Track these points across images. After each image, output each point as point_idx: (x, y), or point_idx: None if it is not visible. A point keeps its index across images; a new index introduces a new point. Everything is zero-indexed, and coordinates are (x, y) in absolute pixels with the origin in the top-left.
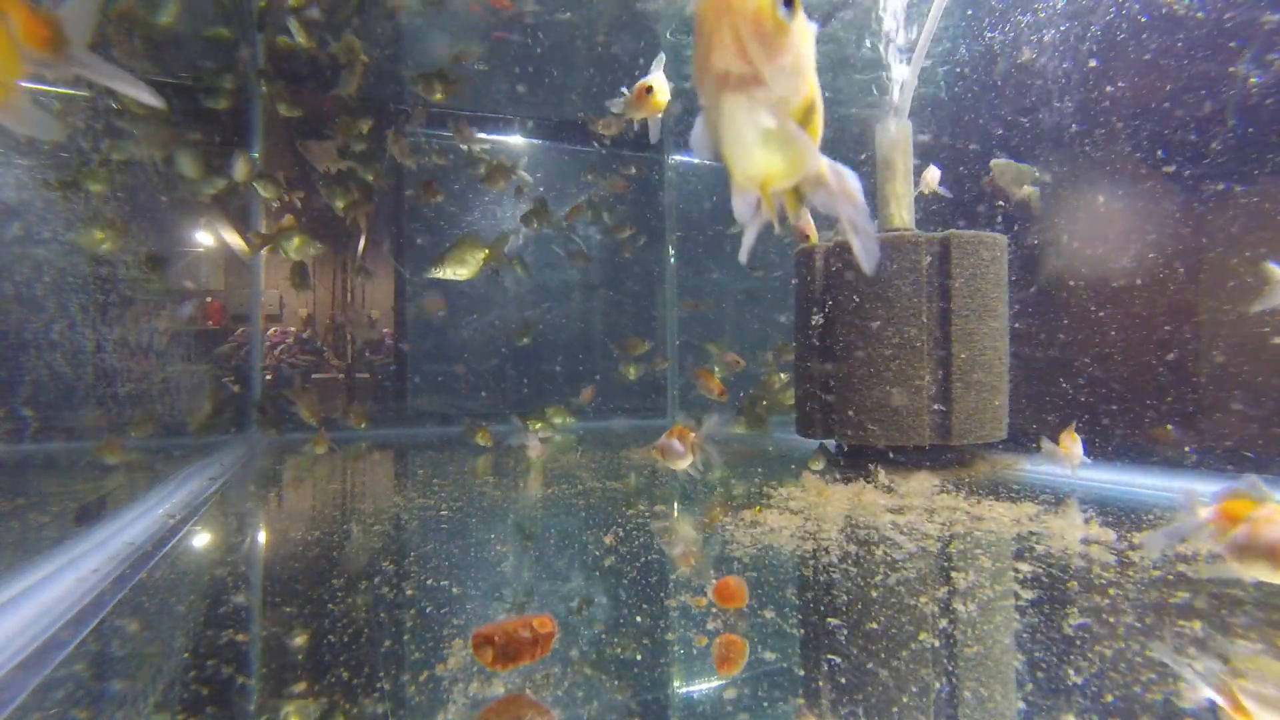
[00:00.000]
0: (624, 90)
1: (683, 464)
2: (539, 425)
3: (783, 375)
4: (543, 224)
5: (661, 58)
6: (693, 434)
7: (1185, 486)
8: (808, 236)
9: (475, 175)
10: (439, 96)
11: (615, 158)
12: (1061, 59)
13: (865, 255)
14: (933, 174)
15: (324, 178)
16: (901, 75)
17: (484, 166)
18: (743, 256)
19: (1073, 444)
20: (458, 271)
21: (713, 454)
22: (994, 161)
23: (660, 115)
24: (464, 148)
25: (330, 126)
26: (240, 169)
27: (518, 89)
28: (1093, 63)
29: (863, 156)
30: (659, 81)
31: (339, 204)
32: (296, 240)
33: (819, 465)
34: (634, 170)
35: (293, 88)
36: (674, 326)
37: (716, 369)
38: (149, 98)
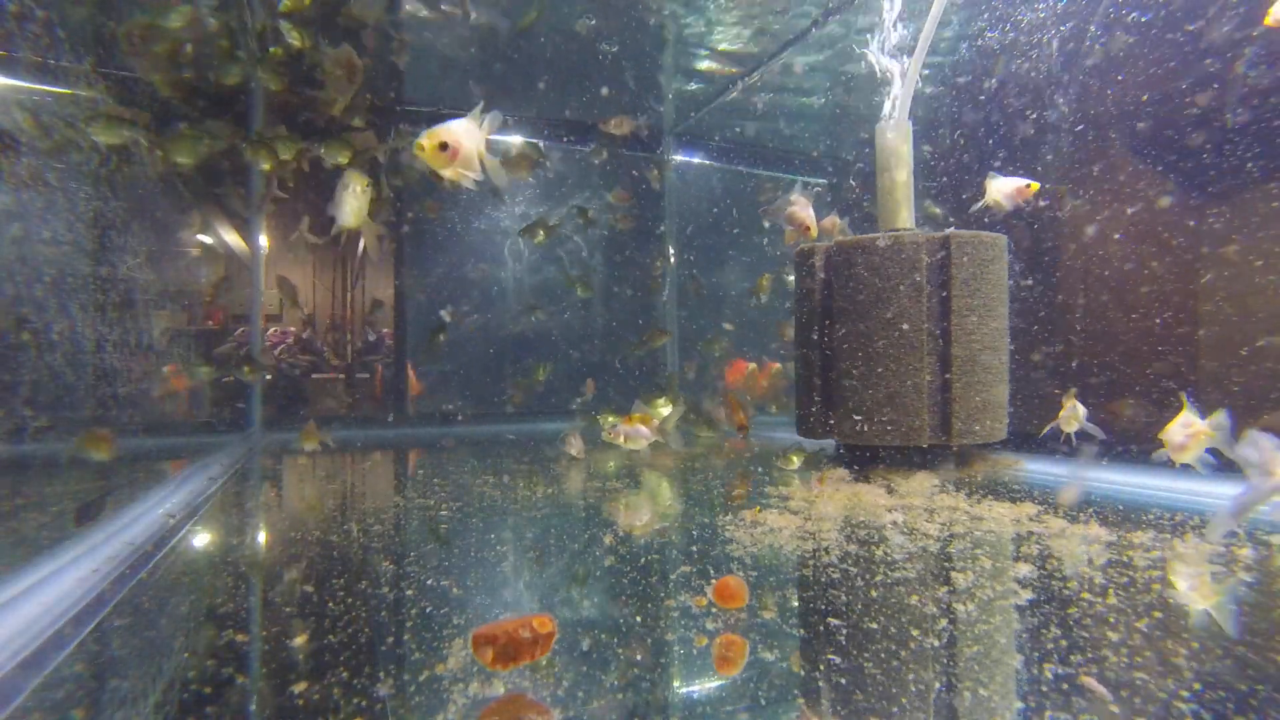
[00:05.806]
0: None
1: (644, 444)
2: (611, 419)
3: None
4: (548, 235)
5: (484, 108)
6: (654, 421)
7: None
8: (808, 229)
9: (504, 163)
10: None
11: (619, 158)
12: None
13: None
14: (1001, 183)
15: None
16: (901, 75)
17: (501, 158)
18: None
19: (1073, 408)
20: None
21: (674, 436)
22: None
23: (474, 171)
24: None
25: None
26: (335, 153)
27: (518, 87)
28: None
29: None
30: (434, 137)
31: (341, 160)
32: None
33: (793, 465)
34: (656, 171)
35: (290, 83)
36: (674, 326)
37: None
38: None
